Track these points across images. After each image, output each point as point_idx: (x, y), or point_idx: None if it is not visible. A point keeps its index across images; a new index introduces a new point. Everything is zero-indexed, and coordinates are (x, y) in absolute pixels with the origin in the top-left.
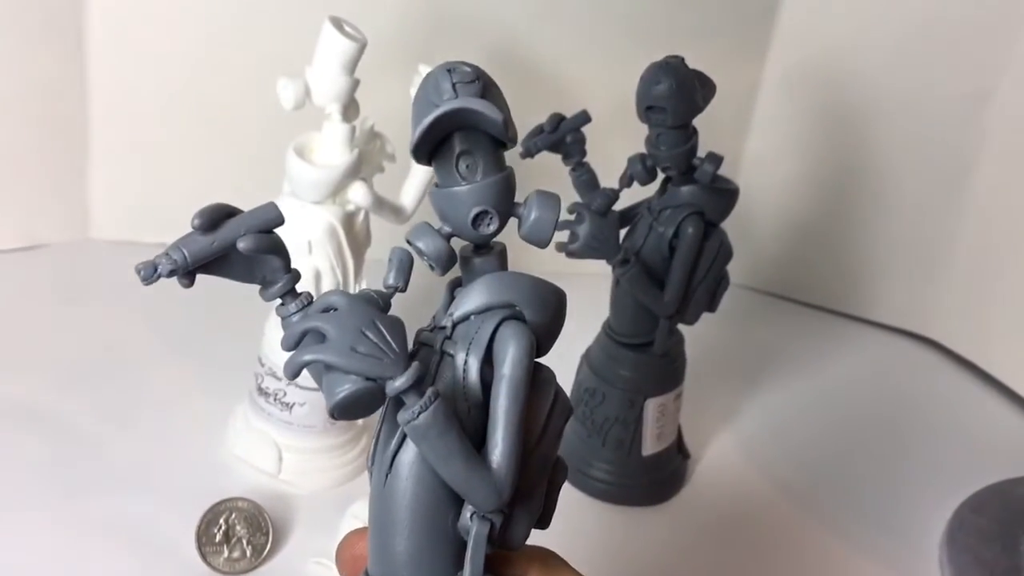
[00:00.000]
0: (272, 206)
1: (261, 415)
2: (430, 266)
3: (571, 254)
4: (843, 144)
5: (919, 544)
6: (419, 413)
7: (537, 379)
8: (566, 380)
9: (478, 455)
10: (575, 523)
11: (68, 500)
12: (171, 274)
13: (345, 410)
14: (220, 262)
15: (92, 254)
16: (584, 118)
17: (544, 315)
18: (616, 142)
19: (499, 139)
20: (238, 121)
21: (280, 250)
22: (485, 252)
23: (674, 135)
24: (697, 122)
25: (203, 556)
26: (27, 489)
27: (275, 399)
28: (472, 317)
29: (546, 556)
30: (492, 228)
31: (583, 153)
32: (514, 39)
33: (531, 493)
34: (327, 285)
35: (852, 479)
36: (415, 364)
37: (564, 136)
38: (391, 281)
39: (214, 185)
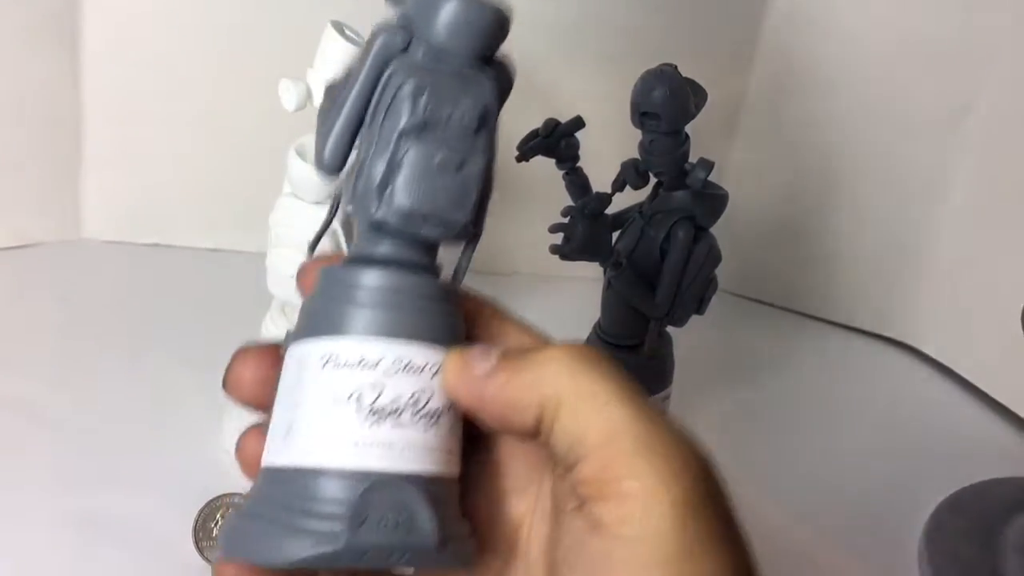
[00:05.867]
0: None
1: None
2: None
3: (564, 256)
4: (825, 154)
5: (899, 543)
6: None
7: None
8: None
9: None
10: None
11: (63, 497)
12: None
13: None
14: None
15: (85, 254)
16: (578, 123)
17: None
18: (609, 147)
19: None
20: (233, 122)
21: None
22: None
23: (667, 141)
24: (686, 130)
25: (200, 551)
26: (22, 487)
27: None
28: None
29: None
30: None
31: (576, 158)
32: (511, 46)
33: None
34: None
35: (832, 479)
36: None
37: (558, 141)
38: None
39: (208, 186)
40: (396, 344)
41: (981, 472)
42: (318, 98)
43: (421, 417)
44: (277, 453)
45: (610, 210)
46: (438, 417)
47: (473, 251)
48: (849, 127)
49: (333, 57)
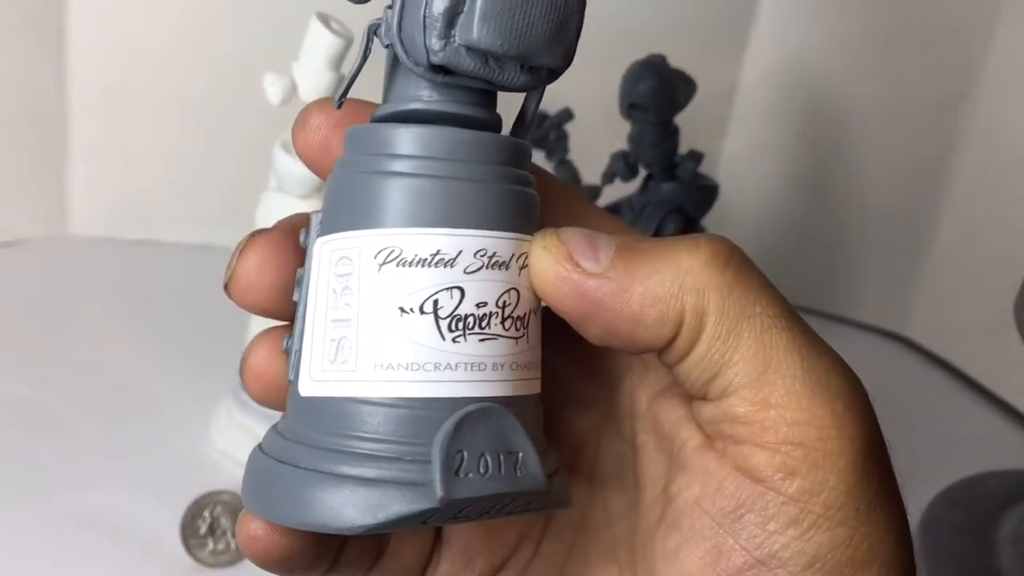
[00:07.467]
0: None
1: (244, 409)
2: None
3: None
4: (820, 145)
5: None
6: None
7: None
8: None
9: None
10: None
11: (52, 496)
12: None
13: None
14: None
15: (71, 250)
16: (567, 115)
17: None
18: (598, 139)
19: None
20: (219, 116)
21: None
22: None
23: (656, 132)
24: (676, 122)
25: (188, 549)
26: (10, 486)
27: None
28: None
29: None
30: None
31: (566, 150)
32: None
33: None
34: None
35: None
36: None
37: (547, 133)
38: None
39: (195, 181)
40: (475, 231)
41: (976, 464)
42: (303, 91)
43: (511, 325)
44: (322, 381)
45: (600, 202)
46: (527, 322)
47: (540, 101)
48: (844, 116)
49: (318, 50)
